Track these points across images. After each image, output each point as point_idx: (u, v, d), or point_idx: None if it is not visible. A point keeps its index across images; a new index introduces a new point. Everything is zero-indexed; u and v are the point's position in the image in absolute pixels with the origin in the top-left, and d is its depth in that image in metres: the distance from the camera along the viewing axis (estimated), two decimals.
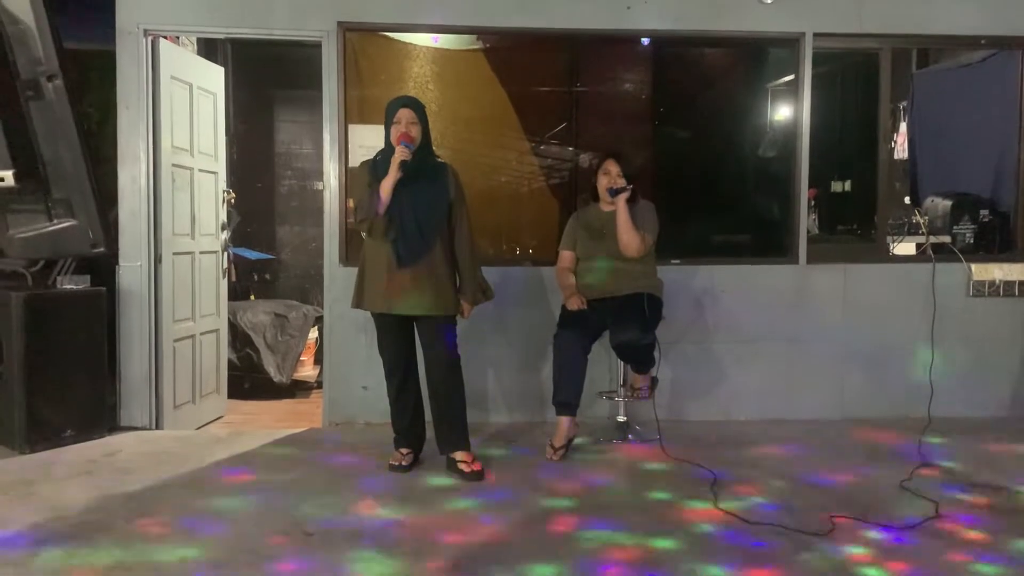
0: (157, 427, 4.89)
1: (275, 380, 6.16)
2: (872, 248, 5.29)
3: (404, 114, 3.90)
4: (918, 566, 3.01)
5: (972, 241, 5.34)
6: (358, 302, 4.04)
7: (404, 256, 3.88)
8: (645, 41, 5.26)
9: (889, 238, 5.31)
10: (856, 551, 3.12)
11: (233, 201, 5.80)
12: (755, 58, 5.59)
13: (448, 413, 4.03)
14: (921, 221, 5.32)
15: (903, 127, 6.39)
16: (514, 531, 3.31)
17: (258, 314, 6.25)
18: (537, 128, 5.26)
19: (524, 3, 4.88)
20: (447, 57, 5.17)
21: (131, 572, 2.88)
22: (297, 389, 6.30)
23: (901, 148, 6.47)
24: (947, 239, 5.26)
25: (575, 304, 4.34)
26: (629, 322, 4.22)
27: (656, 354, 4.40)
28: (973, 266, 5.16)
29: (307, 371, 6.48)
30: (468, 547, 3.15)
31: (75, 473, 3.98)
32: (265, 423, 5.27)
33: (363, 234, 3.97)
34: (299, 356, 6.46)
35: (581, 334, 4.29)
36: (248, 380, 6.16)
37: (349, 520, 3.41)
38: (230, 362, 5.94)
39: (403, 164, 3.77)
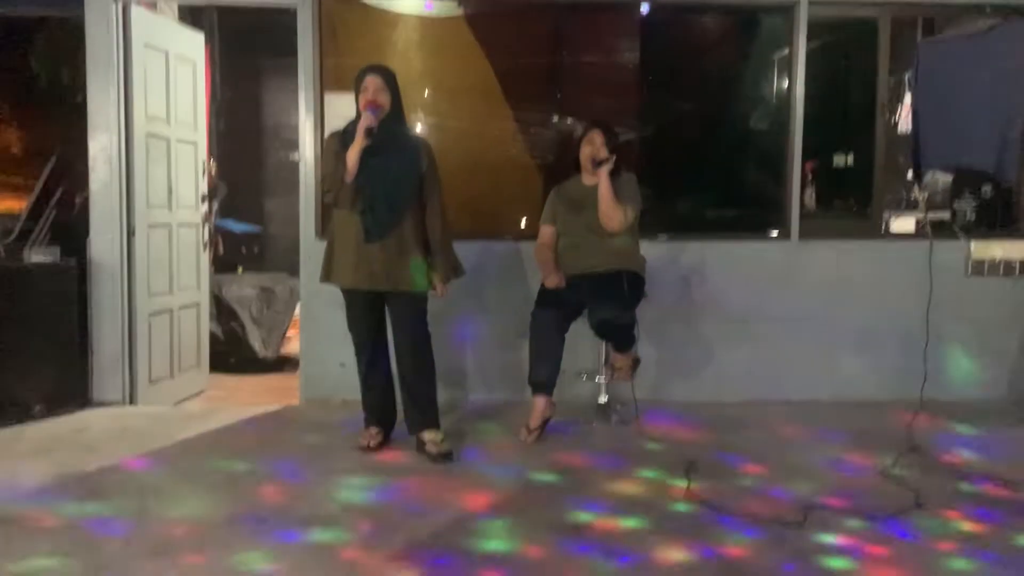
0: (131, 403, 4.81)
1: (260, 355, 6.08)
2: (867, 225, 5.10)
3: (372, 81, 3.77)
4: (892, 559, 2.88)
5: (973, 217, 5.14)
6: (326, 276, 3.93)
7: (373, 230, 3.75)
8: (644, 8, 5.05)
9: (886, 214, 5.13)
10: (827, 541, 2.99)
11: (214, 171, 5.68)
12: (748, 26, 5.38)
13: (417, 392, 3.92)
14: (920, 197, 5.12)
15: (907, 98, 6.17)
16: (476, 514, 3.20)
17: (244, 288, 6.15)
18: (521, 98, 5.08)
19: None
20: (427, 24, 5.00)
21: (69, 557, 2.79)
22: (284, 364, 6.22)
23: (906, 120, 6.25)
24: (946, 215, 5.07)
25: (553, 282, 4.21)
26: (607, 300, 4.08)
27: (636, 333, 4.26)
28: (973, 243, 4.97)
29: (294, 346, 6.39)
30: (426, 530, 3.04)
31: (36, 451, 3.90)
32: (245, 399, 5.19)
33: (332, 205, 3.85)
34: (286, 331, 6.39)
35: (558, 312, 4.17)
36: (233, 355, 6.08)
37: (307, 503, 3.31)
38: (215, 336, 5.86)
39: (371, 132, 3.64)
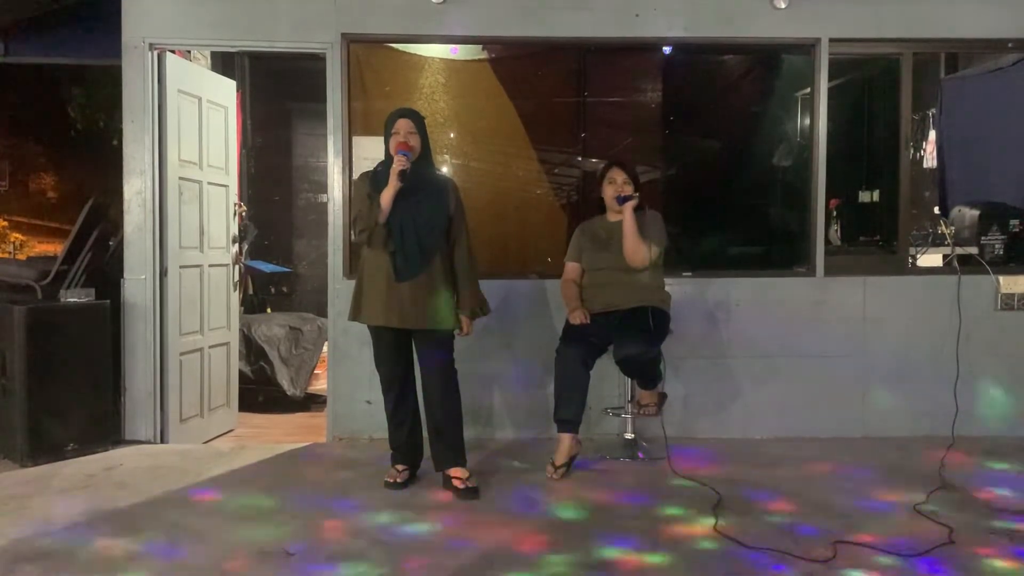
0: (162, 441, 4.87)
1: (289, 393, 6.13)
2: (894, 260, 5.08)
3: (402, 124, 3.86)
4: None
5: (1001, 252, 5.11)
6: (355, 315, 3.98)
7: (402, 270, 3.82)
8: (667, 49, 5.13)
9: (912, 249, 5.12)
10: None
11: (244, 214, 5.80)
12: (771, 65, 5.45)
13: (444, 429, 3.94)
14: (946, 232, 5.10)
15: (932, 135, 6.18)
16: (502, 551, 3.20)
17: (272, 327, 6.23)
18: (545, 139, 5.17)
19: (529, 12, 4.79)
20: (453, 68, 5.11)
21: None
22: (311, 402, 6.27)
23: (931, 156, 6.25)
24: (974, 250, 5.04)
25: (578, 318, 4.23)
26: (632, 336, 4.09)
27: (662, 369, 4.27)
28: (1001, 278, 4.94)
29: (321, 384, 6.44)
30: (452, 567, 3.05)
31: (70, 488, 3.96)
32: (274, 437, 5.23)
33: (364, 246, 3.92)
34: (313, 369, 6.44)
35: (583, 349, 4.18)
36: (262, 393, 6.15)
37: (334, 539, 3.33)
38: (244, 375, 5.93)
39: (404, 175, 3.72)
